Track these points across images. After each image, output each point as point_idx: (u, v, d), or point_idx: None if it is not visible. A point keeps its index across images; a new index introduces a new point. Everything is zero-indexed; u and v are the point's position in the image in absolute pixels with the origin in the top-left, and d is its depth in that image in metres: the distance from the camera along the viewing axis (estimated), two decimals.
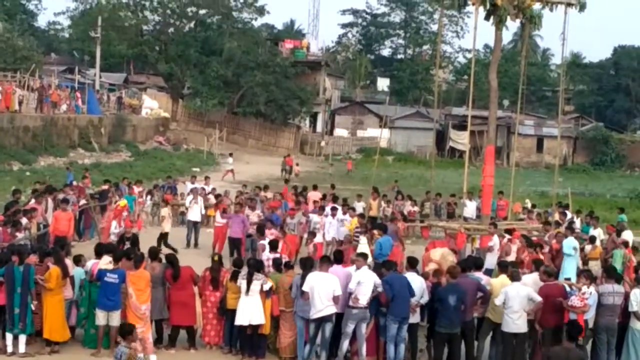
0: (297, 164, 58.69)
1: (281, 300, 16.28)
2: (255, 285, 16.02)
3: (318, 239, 24.82)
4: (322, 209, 26.93)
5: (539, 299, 15.74)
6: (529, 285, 16.20)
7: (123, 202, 26.16)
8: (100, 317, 16.06)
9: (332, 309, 15.65)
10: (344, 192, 40.64)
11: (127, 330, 13.16)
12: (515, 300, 15.59)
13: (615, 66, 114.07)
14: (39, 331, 16.01)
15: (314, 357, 15.99)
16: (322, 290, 15.54)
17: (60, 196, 26.22)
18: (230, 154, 58.04)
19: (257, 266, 16.51)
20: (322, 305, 15.55)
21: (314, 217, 26.14)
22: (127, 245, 19.54)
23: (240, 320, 16.08)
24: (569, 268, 20.87)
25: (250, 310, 16.02)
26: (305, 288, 15.61)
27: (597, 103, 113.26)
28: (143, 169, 50.79)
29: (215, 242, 26.43)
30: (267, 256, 18.86)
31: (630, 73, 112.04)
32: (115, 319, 16.06)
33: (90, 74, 74.61)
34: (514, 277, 16.10)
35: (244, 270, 16.33)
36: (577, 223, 29.45)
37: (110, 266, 16.47)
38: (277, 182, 48.48)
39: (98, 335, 16.17)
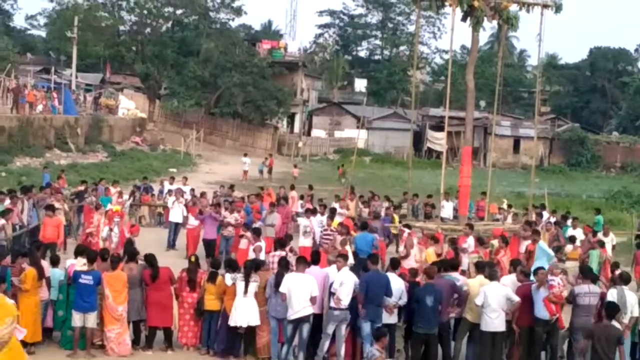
0: (296, 166, 58.43)
1: (258, 298, 16.28)
2: (252, 286, 16.04)
3: (307, 242, 24.28)
4: (312, 211, 26.57)
5: (517, 299, 15.84)
6: (508, 285, 16.32)
7: (117, 207, 26.00)
8: (76, 319, 15.96)
9: (309, 310, 15.65)
10: (322, 193, 40.64)
11: None
12: (493, 299, 15.67)
13: (591, 67, 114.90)
14: None
15: (292, 358, 15.98)
16: (299, 291, 15.53)
17: (40, 198, 26.05)
18: (245, 154, 58.15)
19: (253, 267, 16.50)
20: (300, 306, 15.54)
21: (303, 220, 25.69)
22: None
23: (238, 321, 16.04)
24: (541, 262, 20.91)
25: (248, 311, 16.03)
26: (282, 289, 15.61)
27: (573, 104, 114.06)
28: (120, 169, 50.59)
29: (187, 244, 26.34)
30: (266, 256, 19.11)
31: (606, 74, 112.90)
32: (91, 321, 16.00)
33: (67, 74, 74.15)
34: (492, 277, 16.19)
35: (238, 272, 16.36)
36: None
37: (85, 267, 16.41)
38: (254, 183, 48.46)
39: (74, 336, 16.09)
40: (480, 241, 22.01)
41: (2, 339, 13.57)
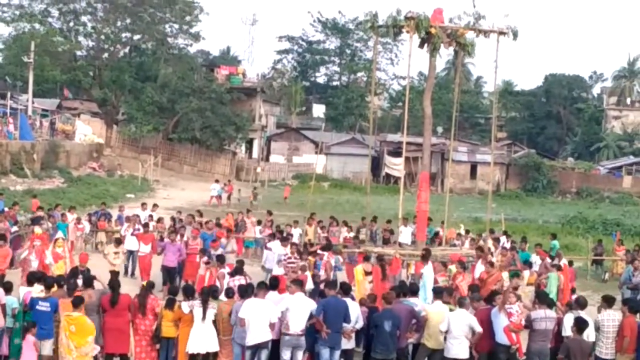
0: (255, 190, 58.28)
1: (220, 327, 16.19)
2: (210, 313, 15.94)
3: (281, 271, 23.17)
4: (285, 238, 26.40)
5: (479, 329, 15.94)
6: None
7: (38, 230, 25.69)
8: (46, 346, 15.77)
9: (268, 336, 15.64)
10: (280, 218, 40.63)
11: None
12: (456, 326, 15.74)
13: (547, 94, 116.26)
14: None
15: None
16: (258, 317, 15.53)
17: None
18: (217, 180, 58.02)
19: (210, 293, 16.43)
20: (258, 332, 15.54)
21: (278, 248, 25.32)
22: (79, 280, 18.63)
23: (196, 347, 15.97)
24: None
25: (206, 337, 15.95)
26: (241, 315, 15.60)
27: (529, 130, 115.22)
28: (76, 195, 50.16)
29: (141, 272, 26.18)
30: (228, 280, 18.98)
31: (561, 101, 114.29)
32: (47, 348, 15.81)
33: (23, 100, 73.54)
34: (461, 304, 16.29)
35: (195, 298, 16.31)
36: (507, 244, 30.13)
37: (43, 294, 16.25)
38: (213, 209, 48.28)
39: None
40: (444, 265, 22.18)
41: (85, 359, 14.14)
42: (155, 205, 37.29)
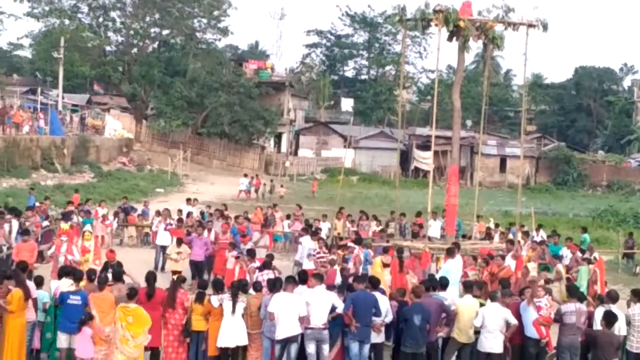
0: (282, 186, 58.46)
1: (248, 322, 16.21)
2: (240, 306, 16.00)
3: (311, 265, 23.54)
4: (315, 233, 26.36)
5: (514, 322, 15.88)
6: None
7: (64, 225, 25.83)
8: (62, 340, 15.91)
9: (297, 330, 15.66)
10: (309, 212, 40.66)
11: None
12: (491, 320, 15.68)
13: (577, 87, 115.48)
14: None
15: None
16: (288, 310, 15.55)
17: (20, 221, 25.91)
18: (245, 175, 58.23)
19: (240, 287, 16.47)
20: (288, 326, 15.56)
21: (309, 242, 25.26)
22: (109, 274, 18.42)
23: (226, 341, 16.01)
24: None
25: (236, 331, 16.00)
26: (270, 309, 15.63)
27: (559, 123, 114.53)
28: (107, 190, 50.41)
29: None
30: (257, 275, 19.03)
31: (591, 93, 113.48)
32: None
33: (53, 95, 74.04)
34: (492, 298, 16.21)
35: (225, 292, 16.36)
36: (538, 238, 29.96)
37: (73, 288, 16.35)
38: (241, 203, 48.43)
39: (61, 358, 16.02)
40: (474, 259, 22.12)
41: (140, 349, 15.09)
42: (195, 200, 37.46)
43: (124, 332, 15.21)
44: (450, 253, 21.84)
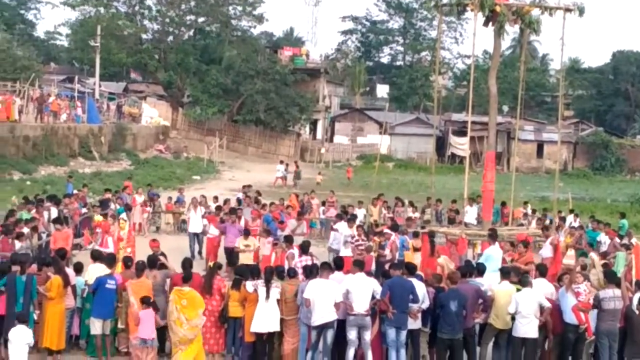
0: (320, 173, 58.39)
1: (283, 308, 16.25)
2: (274, 292, 16.08)
3: (348, 252, 23.41)
4: (351, 219, 26.17)
5: (548, 304, 15.80)
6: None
7: (98, 217, 26.00)
8: (97, 326, 16.11)
9: (333, 316, 15.67)
10: (345, 199, 40.65)
11: None
12: (525, 306, 15.61)
13: (614, 71, 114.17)
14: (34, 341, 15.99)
15: None
16: (323, 297, 15.58)
17: (56, 211, 26.10)
18: (281, 161, 58.49)
19: (275, 273, 16.53)
20: (323, 312, 15.58)
21: (344, 229, 25.10)
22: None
23: (259, 327, 16.08)
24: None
25: (269, 317, 16.06)
26: (306, 295, 15.65)
27: (596, 108, 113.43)
28: (144, 177, 50.70)
29: (208, 254, 26.14)
30: (297, 261, 19.14)
31: (629, 78, 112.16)
32: (108, 327, 16.27)
33: (90, 83, 74.62)
34: (524, 283, 16.13)
35: (261, 278, 16.40)
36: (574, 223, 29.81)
37: (107, 272, 16.52)
38: (278, 190, 48.53)
39: (97, 343, 16.19)
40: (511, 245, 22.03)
41: (195, 331, 15.46)
42: (249, 186, 37.61)
43: (178, 315, 15.49)
44: (492, 238, 21.75)
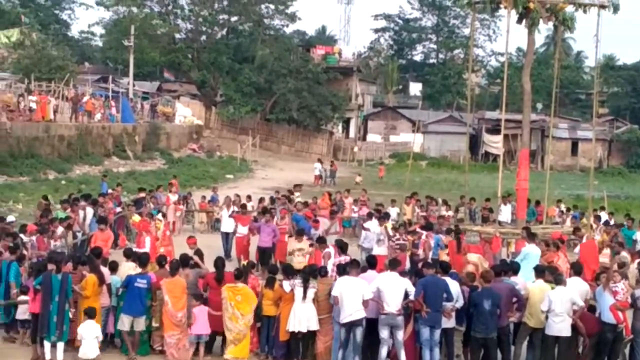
0: (360, 174, 58.04)
1: (316, 307, 16.25)
2: (311, 292, 16.12)
3: (381, 250, 23.37)
4: (383, 218, 25.79)
5: (581, 303, 15.70)
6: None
7: (136, 217, 26.11)
8: (126, 322, 16.21)
9: (361, 314, 15.65)
10: (378, 197, 40.59)
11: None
12: (558, 304, 15.51)
13: None
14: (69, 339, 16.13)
15: None
16: (351, 294, 15.58)
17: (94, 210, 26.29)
18: (318, 160, 58.43)
19: (311, 273, 16.55)
20: (352, 310, 15.58)
21: (376, 227, 24.88)
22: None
23: (297, 326, 16.13)
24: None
25: (307, 316, 16.10)
26: (334, 293, 15.71)
27: (631, 105, 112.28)
28: (177, 176, 50.91)
29: (238, 253, 26.12)
30: (335, 261, 19.08)
31: None
32: (141, 324, 16.34)
33: (124, 83, 75.07)
34: (558, 281, 16.04)
35: (297, 278, 16.43)
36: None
37: (138, 270, 16.62)
38: (311, 189, 48.54)
39: (133, 340, 16.33)
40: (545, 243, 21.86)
41: (248, 326, 16.04)
42: (299, 185, 38.00)
43: (233, 311, 15.93)
44: (529, 237, 21.62)
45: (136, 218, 25.94)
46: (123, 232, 28.22)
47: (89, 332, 15.48)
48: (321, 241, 21.29)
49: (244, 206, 28.99)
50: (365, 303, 15.63)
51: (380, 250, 23.18)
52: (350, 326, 15.76)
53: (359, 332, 15.78)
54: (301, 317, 16.06)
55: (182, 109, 77.04)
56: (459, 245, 21.97)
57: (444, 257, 21.20)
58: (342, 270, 16.57)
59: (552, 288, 16.11)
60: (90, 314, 15.69)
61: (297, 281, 16.24)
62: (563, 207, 35.60)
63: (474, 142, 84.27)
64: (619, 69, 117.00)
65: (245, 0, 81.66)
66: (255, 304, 16.15)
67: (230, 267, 18.93)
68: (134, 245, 23.40)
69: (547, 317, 15.80)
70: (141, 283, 16.23)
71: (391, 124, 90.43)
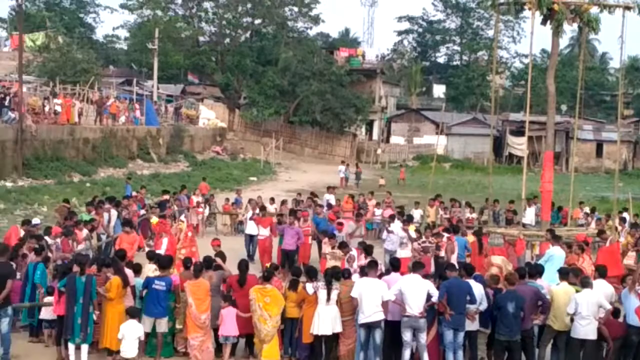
0: (382, 177, 57.71)
1: (339, 309, 16.23)
2: (334, 294, 16.12)
3: (404, 253, 23.23)
4: (407, 220, 25.73)
5: (608, 306, 15.61)
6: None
7: (154, 219, 26.21)
8: (147, 324, 16.24)
9: (380, 315, 15.62)
10: (401, 199, 40.54)
11: None
12: (585, 307, 15.42)
13: None
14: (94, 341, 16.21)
15: None
16: (369, 296, 15.55)
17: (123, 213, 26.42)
18: (342, 162, 58.41)
19: (334, 275, 16.55)
20: (370, 311, 15.55)
21: (399, 230, 24.72)
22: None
23: (322, 329, 16.10)
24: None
25: (331, 318, 16.10)
26: (353, 294, 15.69)
27: None
28: (201, 179, 51.06)
29: (261, 256, 26.09)
30: (359, 263, 19.07)
31: None
32: (163, 326, 16.36)
33: (148, 86, 75.38)
34: (585, 284, 15.93)
35: (318, 279, 16.53)
36: None
37: (157, 273, 16.69)
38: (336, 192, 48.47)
39: (158, 342, 16.38)
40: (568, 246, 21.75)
41: (277, 327, 16.17)
42: (333, 188, 37.87)
43: (261, 312, 16.02)
44: (554, 239, 21.52)
45: (154, 220, 26.03)
46: (146, 234, 28.28)
47: (131, 332, 15.65)
48: (343, 245, 21.30)
49: (263, 208, 29.00)
50: (384, 304, 15.61)
51: (403, 253, 23.13)
52: (369, 327, 15.73)
53: (377, 334, 15.73)
54: (325, 319, 16.05)
55: (206, 112, 77.31)
56: (481, 247, 21.93)
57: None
58: (362, 271, 16.58)
59: (577, 291, 16.02)
60: (133, 313, 15.88)
61: (321, 283, 16.26)
62: (587, 209, 35.41)
63: (498, 144, 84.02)
64: None
65: (268, 3, 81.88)
66: (283, 305, 16.21)
67: (253, 269, 18.95)
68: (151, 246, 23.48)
69: (572, 320, 15.71)
70: (159, 285, 16.25)
71: (415, 126, 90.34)
